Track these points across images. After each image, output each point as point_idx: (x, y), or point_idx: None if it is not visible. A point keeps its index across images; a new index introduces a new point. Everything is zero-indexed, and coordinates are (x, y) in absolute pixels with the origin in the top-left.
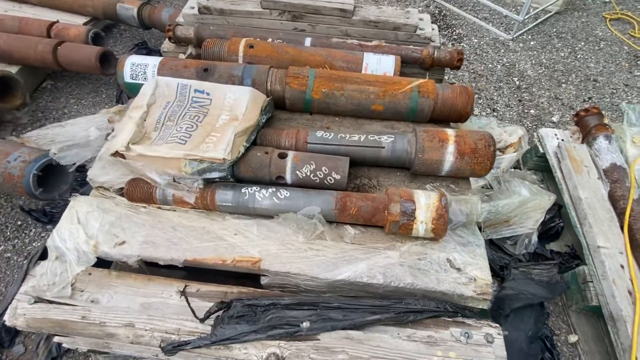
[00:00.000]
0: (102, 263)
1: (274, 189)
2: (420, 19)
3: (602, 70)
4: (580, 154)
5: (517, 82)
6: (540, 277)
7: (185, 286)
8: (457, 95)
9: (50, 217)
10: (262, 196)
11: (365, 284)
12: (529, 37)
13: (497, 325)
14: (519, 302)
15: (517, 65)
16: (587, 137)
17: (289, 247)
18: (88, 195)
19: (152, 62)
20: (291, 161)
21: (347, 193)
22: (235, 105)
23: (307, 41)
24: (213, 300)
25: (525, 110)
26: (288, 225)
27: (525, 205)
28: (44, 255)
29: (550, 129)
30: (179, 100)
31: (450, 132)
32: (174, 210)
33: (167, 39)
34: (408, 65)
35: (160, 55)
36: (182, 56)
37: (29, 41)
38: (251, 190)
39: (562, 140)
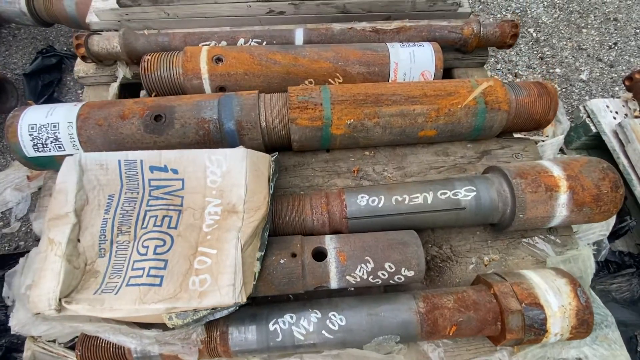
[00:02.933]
0: None
1: (320, 317)
2: None
3: (619, 5)
4: None
5: (534, 34)
6: (622, 293)
7: None
8: (536, 99)
9: None
10: (303, 332)
11: None
12: None
13: None
14: None
15: (529, 12)
16: None
17: None
18: None
19: (64, 117)
20: (336, 262)
21: (433, 302)
22: (227, 186)
23: (298, 35)
24: None
25: (550, 70)
26: None
27: None
28: None
29: (600, 100)
30: (129, 189)
31: (558, 173)
32: None
33: (78, 58)
34: (444, 50)
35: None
36: (112, 86)
37: None
38: (284, 324)
39: (616, 113)
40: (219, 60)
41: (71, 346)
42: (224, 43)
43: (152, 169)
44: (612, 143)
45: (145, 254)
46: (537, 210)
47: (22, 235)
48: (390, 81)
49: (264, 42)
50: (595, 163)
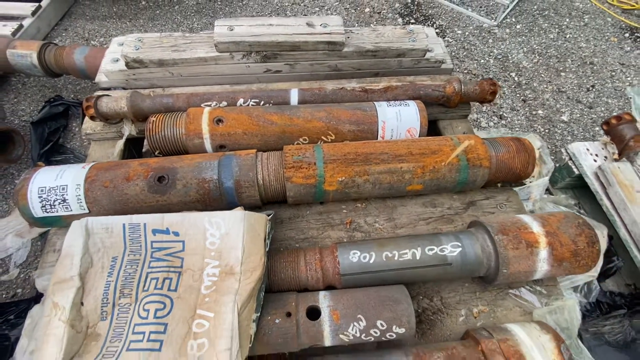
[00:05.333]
0: None
1: None
2: (426, 36)
3: (594, 49)
4: (628, 176)
5: (516, 78)
6: (614, 335)
7: None
8: (514, 155)
9: None
10: None
11: None
12: (513, 19)
13: None
14: None
15: (510, 57)
16: (625, 151)
17: None
18: None
19: (72, 180)
20: (329, 321)
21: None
22: (226, 248)
23: (294, 95)
24: None
25: (533, 112)
26: None
27: None
28: None
29: (580, 143)
30: (132, 251)
31: (537, 230)
32: None
33: (86, 118)
34: (427, 106)
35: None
36: (119, 143)
37: None
38: None
39: (597, 156)
40: (219, 121)
41: None
42: (224, 103)
43: (155, 231)
44: (595, 185)
45: (146, 317)
46: (519, 265)
47: (20, 282)
48: (378, 138)
49: (262, 102)
50: (572, 219)
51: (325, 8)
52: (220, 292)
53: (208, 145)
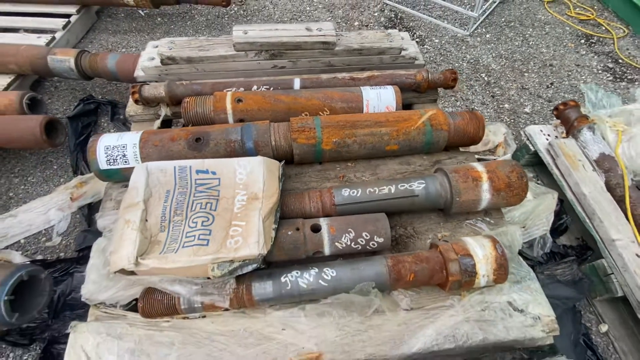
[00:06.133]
0: None
1: (317, 271)
2: (402, 38)
3: (553, 54)
4: (572, 148)
5: (486, 78)
6: (565, 276)
7: None
8: (468, 122)
9: (30, 336)
10: (306, 282)
11: (438, 351)
12: (483, 29)
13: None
14: (557, 311)
15: (480, 61)
16: (570, 130)
17: (347, 330)
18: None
19: (130, 140)
20: (327, 233)
21: (397, 258)
22: (251, 181)
23: (297, 83)
24: None
25: (500, 106)
26: (340, 306)
27: (537, 209)
28: None
29: (535, 126)
30: (180, 186)
31: (480, 169)
32: (204, 317)
33: (131, 102)
34: (403, 91)
35: (114, 109)
36: (156, 122)
37: None
38: (292, 277)
39: (549, 135)
40: (239, 101)
41: (129, 308)
42: (242, 89)
43: (198, 171)
44: (547, 158)
45: (195, 227)
46: (468, 194)
47: (62, 247)
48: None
49: (272, 88)
50: (507, 162)
51: (320, 21)
52: (248, 210)
53: (230, 119)
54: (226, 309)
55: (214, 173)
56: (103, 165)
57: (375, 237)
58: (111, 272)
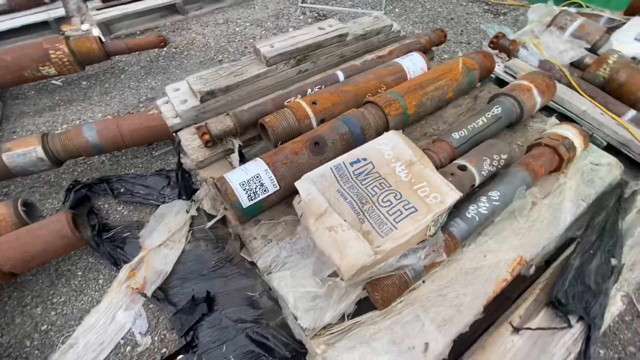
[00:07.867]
0: None
1: (486, 196)
2: (384, 18)
3: (448, 10)
4: (521, 64)
5: None
6: None
7: None
8: (485, 58)
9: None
10: (484, 207)
11: (581, 214)
12: (391, 6)
13: None
14: None
15: (404, 30)
16: (511, 53)
17: (522, 232)
18: None
19: (259, 168)
20: (475, 168)
21: (526, 162)
22: (398, 153)
23: (340, 75)
24: None
25: (440, 57)
26: (507, 219)
27: None
28: None
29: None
30: (344, 182)
31: (525, 82)
32: (424, 282)
33: (193, 148)
34: None
35: (110, 185)
36: (233, 156)
37: None
38: (473, 209)
39: (499, 62)
40: (314, 103)
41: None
42: (299, 96)
43: (352, 163)
44: (509, 78)
45: (390, 204)
46: (529, 102)
47: (158, 345)
48: (408, 79)
49: (323, 86)
50: (537, 72)
51: (257, 37)
52: (416, 172)
53: (314, 122)
54: (440, 262)
55: (365, 160)
56: (245, 203)
57: (502, 155)
58: (346, 278)
